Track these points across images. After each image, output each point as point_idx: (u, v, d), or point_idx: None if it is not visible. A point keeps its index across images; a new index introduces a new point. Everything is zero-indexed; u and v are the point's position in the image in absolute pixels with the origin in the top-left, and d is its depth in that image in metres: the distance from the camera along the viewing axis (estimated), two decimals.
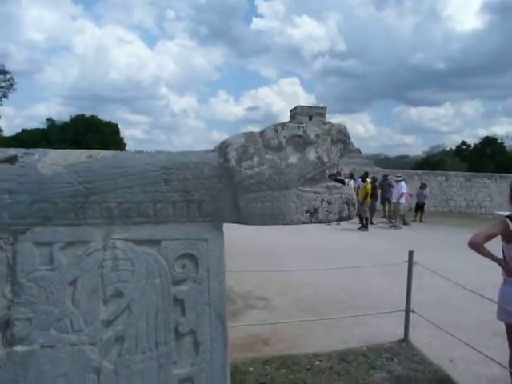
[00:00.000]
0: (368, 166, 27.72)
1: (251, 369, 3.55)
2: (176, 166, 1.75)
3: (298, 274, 6.29)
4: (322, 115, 36.46)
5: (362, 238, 12.55)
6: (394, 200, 15.95)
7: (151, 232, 1.73)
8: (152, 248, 1.72)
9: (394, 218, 15.92)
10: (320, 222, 1.91)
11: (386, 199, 17.15)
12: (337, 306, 5.50)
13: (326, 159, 1.86)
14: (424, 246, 9.37)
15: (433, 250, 9.14)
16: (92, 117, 46.64)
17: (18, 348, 1.55)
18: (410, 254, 4.46)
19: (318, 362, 3.74)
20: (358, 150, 35.60)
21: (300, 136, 1.82)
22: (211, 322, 1.71)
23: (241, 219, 1.82)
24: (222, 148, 1.81)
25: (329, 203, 1.89)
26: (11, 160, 1.67)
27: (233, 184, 1.77)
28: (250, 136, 1.81)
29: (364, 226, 14.49)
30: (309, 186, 1.86)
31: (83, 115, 46.57)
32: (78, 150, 1.78)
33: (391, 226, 15.51)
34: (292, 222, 1.88)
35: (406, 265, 4.45)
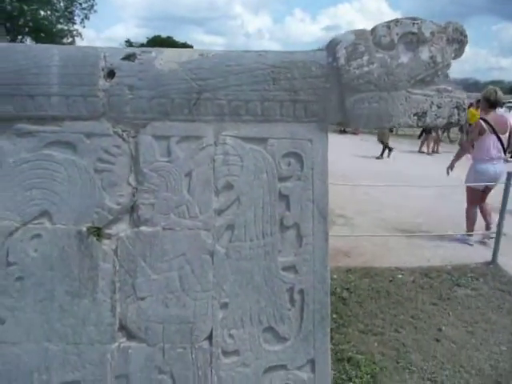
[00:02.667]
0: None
1: (335, 276, 3.71)
2: (284, 65, 1.76)
3: (376, 194, 6.25)
4: None
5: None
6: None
7: (258, 130, 1.80)
8: (259, 145, 1.80)
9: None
10: (427, 126, 1.87)
11: None
12: (418, 227, 5.46)
13: (439, 59, 1.78)
14: None
15: None
16: (168, 38, 46.80)
17: (144, 228, 1.74)
18: (509, 174, 4.23)
19: (400, 276, 3.82)
20: (446, 74, 32.89)
21: (414, 33, 1.74)
22: (314, 218, 1.79)
23: (346, 120, 1.82)
24: (331, 46, 1.78)
25: (438, 107, 1.82)
26: (130, 57, 1.76)
27: (340, 84, 1.75)
28: (360, 33, 1.76)
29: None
30: (418, 87, 1.80)
31: (159, 36, 46.85)
32: (191, 49, 1.83)
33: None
34: (398, 125, 1.86)
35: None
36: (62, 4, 24.55)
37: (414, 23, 1.74)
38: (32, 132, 1.74)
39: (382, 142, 14.23)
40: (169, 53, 1.78)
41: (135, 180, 1.77)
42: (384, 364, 2.65)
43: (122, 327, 1.73)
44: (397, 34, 1.73)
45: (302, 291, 1.78)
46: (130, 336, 1.73)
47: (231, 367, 1.73)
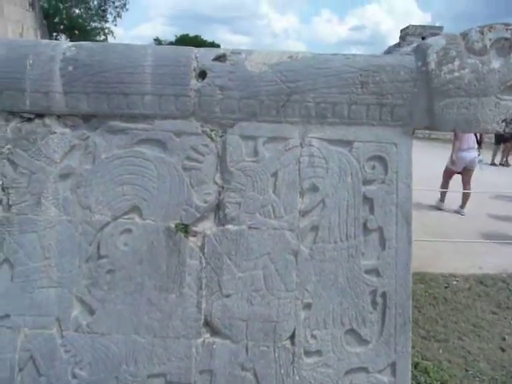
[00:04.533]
0: None
1: None
2: (373, 69, 1.77)
3: (419, 198, 6.19)
4: (437, 36, 33.18)
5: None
6: None
7: (344, 133, 1.81)
8: (344, 148, 1.81)
9: None
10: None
11: None
12: (467, 232, 5.38)
13: None
14: None
15: None
16: (196, 37, 47.15)
17: (230, 227, 1.77)
18: None
19: (455, 282, 3.78)
20: None
21: (507, 39, 1.72)
22: (397, 222, 1.79)
23: (433, 125, 1.81)
24: (421, 50, 1.78)
25: None
26: (221, 58, 1.80)
27: (429, 88, 1.75)
28: (451, 38, 1.75)
29: None
30: (508, 93, 1.78)
31: (187, 35, 47.23)
32: (279, 50, 1.86)
33: None
34: (486, 131, 1.84)
35: None
36: (95, 2, 25.01)
37: (507, 29, 1.72)
38: (124, 129, 1.79)
39: None
40: (258, 54, 1.81)
41: (221, 179, 1.80)
42: (453, 372, 2.62)
43: (207, 323, 1.76)
44: (490, 40, 1.71)
45: (384, 294, 1.78)
46: (214, 332, 1.76)
47: (313, 367, 1.75)
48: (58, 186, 1.77)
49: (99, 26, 26.06)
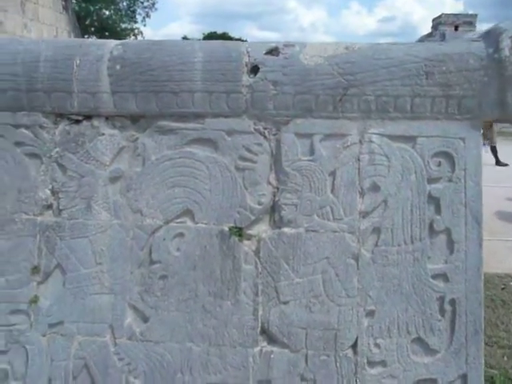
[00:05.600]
0: None
1: None
2: (439, 58, 1.64)
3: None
4: (471, 24, 31.96)
5: None
6: None
7: (406, 128, 1.69)
8: (407, 144, 1.69)
9: None
10: None
11: None
12: None
13: None
14: None
15: None
16: (224, 34, 47.14)
17: (286, 230, 1.68)
18: None
19: None
20: None
21: None
22: (467, 222, 1.66)
23: (504, 117, 1.67)
24: (492, 36, 1.64)
25: None
26: (273, 52, 1.70)
27: (502, 77, 1.61)
28: None
29: None
30: None
31: (215, 32, 47.27)
32: (334, 42, 1.75)
33: None
34: None
35: None
36: (124, 3, 25.29)
37: None
38: (174, 129, 1.72)
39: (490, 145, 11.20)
40: (312, 46, 1.71)
41: (276, 179, 1.71)
42: None
43: (264, 331, 1.68)
44: None
45: (453, 301, 1.65)
46: (272, 340, 1.68)
47: (377, 378, 1.64)
48: (108, 190, 1.72)
49: (129, 26, 26.36)
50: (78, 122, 1.76)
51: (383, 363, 1.65)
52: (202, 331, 1.67)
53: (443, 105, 1.66)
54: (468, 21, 32.98)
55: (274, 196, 1.71)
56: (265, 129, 1.72)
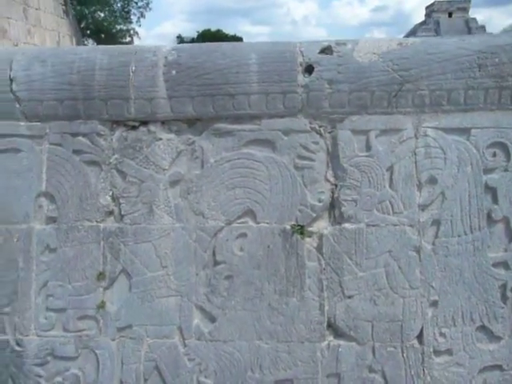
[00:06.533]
0: None
1: None
2: (491, 50, 1.67)
3: None
4: (465, 10, 31.87)
5: None
6: None
7: (460, 120, 1.72)
8: (461, 136, 1.71)
9: None
10: None
11: None
12: None
13: None
14: None
15: None
16: (218, 31, 46.97)
17: (347, 225, 1.71)
18: None
19: None
20: None
21: None
22: None
23: None
24: None
25: None
26: (326, 50, 1.73)
27: None
28: None
29: None
30: None
31: (209, 30, 47.08)
32: (386, 38, 1.77)
33: None
34: None
35: None
36: (119, 4, 25.13)
37: None
38: (231, 131, 1.75)
39: None
40: (365, 43, 1.73)
41: (333, 176, 1.74)
42: None
43: (330, 325, 1.71)
44: None
45: None
46: (338, 334, 1.71)
47: (444, 367, 1.67)
48: (169, 193, 1.75)
49: (124, 27, 26.22)
50: (134, 127, 1.78)
51: (449, 352, 1.68)
52: (269, 328, 1.70)
53: (496, 96, 1.69)
54: (462, 7, 32.78)
55: (333, 193, 1.74)
56: (320, 127, 1.75)
